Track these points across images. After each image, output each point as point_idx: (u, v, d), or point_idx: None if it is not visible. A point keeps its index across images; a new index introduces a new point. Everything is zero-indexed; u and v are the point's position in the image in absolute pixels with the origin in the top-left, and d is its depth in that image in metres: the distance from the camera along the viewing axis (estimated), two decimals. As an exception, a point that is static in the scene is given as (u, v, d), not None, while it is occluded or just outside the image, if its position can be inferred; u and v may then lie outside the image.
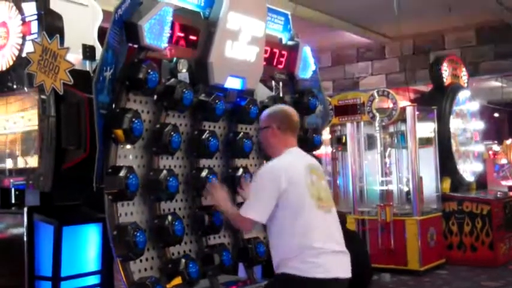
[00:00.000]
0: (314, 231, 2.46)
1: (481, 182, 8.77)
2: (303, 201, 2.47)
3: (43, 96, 2.85)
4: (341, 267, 2.51)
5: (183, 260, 2.77)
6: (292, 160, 2.59)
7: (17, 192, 3.21)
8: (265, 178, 2.52)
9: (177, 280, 2.74)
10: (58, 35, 2.79)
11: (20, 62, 3.02)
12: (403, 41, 9.75)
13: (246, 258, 3.19)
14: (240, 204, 3.18)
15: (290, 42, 3.63)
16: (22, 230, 2.86)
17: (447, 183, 7.64)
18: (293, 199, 2.46)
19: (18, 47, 3.07)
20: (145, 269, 2.72)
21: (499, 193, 8.44)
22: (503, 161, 11.97)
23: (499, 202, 7.58)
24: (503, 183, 10.70)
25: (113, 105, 2.67)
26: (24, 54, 2.99)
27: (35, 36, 2.94)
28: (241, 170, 3.19)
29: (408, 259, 6.77)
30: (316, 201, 2.51)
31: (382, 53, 10.78)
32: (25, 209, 2.89)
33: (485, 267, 6.98)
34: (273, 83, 3.62)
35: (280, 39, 3.65)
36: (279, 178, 2.46)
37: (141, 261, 2.70)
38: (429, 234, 6.98)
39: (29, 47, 2.95)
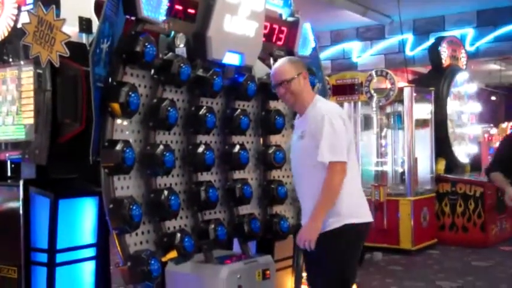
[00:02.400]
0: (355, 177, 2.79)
1: (476, 164, 8.83)
2: (350, 146, 2.75)
3: (39, 70, 2.82)
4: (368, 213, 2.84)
5: (179, 234, 2.78)
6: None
7: (12, 165, 3.20)
8: (337, 119, 2.69)
9: (173, 253, 2.76)
10: (54, 6, 2.75)
11: (16, 34, 2.97)
12: (403, 22, 9.69)
13: (240, 234, 3.21)
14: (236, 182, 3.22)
15: (290, 19, 3.60)
16: (18, 203, 2.86)
17: (442, 165, 7.70)
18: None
19: (14, 18, 3.02)
20: (141, 243, 2.74)
21: (493, 175, 8.48)
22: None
23: (492, 184, 7.63)
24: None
25: (110, 79, 2.64)
26: (19, 25, 2.95)
27: (31, 6, 2.90)
28: (237, 147, 3.19)
29: (400, 238, 6.86)
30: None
31: (382, 33, 10.71)
32: (21, 182, 2.88)
33: (476, 247, 7.08)
34: (271, 60, 3.60)
35: (280, 15, 3.61)
36: (343, 120, 2.74)
37: (136, 234, 2.71)
38: (422, 215, 7.06)
39: (24, 18, 2.91)
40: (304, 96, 2.82)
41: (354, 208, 2.73)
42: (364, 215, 2.79)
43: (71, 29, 2.88)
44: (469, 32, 9.91)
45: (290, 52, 3.57)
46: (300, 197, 2.92)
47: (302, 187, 2.85)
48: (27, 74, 2.90)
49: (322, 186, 2.64)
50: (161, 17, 2.71)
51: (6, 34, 3.05)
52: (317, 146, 2.67)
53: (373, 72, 7.22)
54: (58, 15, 2.77)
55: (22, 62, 2.93)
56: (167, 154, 2.75)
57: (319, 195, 2.64)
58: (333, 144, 2.64)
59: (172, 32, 2.92)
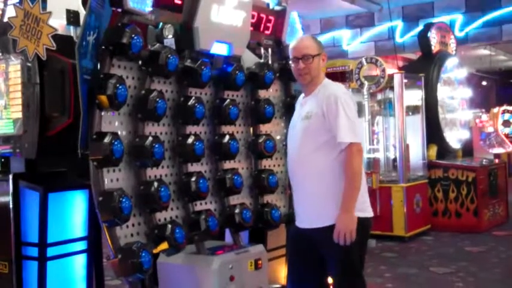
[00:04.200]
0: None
1: (467, 149, 8.88)
2: None
3: (28, 64, 2.80)
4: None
5: (170, 226, 2.79)
6: None
7: (2, 160, 3.19)
8: (350, 101, 2.67)
9: (164, 245, 2.76)
10: (40, -1, 2.73)
11: (4, 27, 2.95)
12: (392, 9, 9.68)
13: (232, 224, 3.22)
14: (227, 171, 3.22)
15: (277, 7, 3.59)
16: (8, 197, 2.85)
17: (433, 151, 7.72)
18: None
19: (0, 12, 3.00)
20: (132, 235, 2.74)
21: (484, 160, 8.55)
22: (490, 129, 12.09)
23: (484, 169, 7.69)
24: (490, 150, 10.84)
25: (97, 71, 2.63)
26: (6, 20, 2.92)
27: (17, 0, 2.87)
28: (227, 137, 3.19)
29: (394, 225, 6.89)
30: None
31: (371, 20, 10.70)
32: (10, 176, 2.87)
33: (469, 233, 7.13)
34: (262, 50, 3.59)
35: (268, 4, 3.60)
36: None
37: (127, 227, 2.71)
38: (415, 201, 7.09)
39: (11, 12, 2.88)
40: (319, 78, 2.78)
41: (362, 202, 2.69)
42: (370, 210, 2.76)
43: (59, 22, 2.87)
44: (458, 17, 9.92)
45: (278, 41, 3.57)
46: (296, 179, 2.81)
47: (301, 170, 2.74)
48: (15, 68, 2.88)
49: (346, 172, 2.58)
50: (147, 8, 2.70)
51: (-7, 28, 3.02)
52: (325, 128, 2.62)
53: (363, 60, 7.22)
54: (44, 8, 2.75)
55: (11, 56, 2.91)
56: (156, 145, 2.74)
57: (345, 182, 2.56)
58: (351, 125, 2.60)
59: (161, 23, 2.90)
